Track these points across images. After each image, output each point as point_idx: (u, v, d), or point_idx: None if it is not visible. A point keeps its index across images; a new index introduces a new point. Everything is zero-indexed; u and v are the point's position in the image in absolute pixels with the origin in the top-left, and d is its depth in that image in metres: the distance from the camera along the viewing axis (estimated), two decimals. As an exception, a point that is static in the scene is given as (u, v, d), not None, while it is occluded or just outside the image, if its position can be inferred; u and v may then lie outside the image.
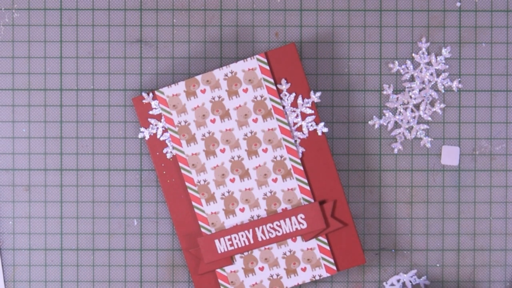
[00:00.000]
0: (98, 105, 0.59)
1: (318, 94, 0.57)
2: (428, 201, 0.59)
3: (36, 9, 0.59)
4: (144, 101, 0.57)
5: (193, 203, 0.57)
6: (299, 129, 0.58)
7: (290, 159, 0.57)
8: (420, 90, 0.59)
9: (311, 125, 0.57)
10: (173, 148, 0.57)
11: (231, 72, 0.57)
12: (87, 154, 0.59)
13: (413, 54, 0.59)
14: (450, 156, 0.59)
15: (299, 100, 0.57)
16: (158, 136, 0.58)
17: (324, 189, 0.57)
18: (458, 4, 0.59)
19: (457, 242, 0.59)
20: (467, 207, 0.59)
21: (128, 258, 0.59)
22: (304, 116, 0.58)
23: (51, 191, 0.59)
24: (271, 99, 0.57)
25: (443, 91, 0.59)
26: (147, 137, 0.58)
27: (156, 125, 0.57)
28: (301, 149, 0.58)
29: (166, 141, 0.58)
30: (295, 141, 0.57)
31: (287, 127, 0.57)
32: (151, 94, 0.57)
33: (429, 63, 0.59)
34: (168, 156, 0.58)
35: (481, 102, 0.59)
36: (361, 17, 0.59)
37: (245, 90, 0.57)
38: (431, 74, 0.59)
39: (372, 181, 0.59)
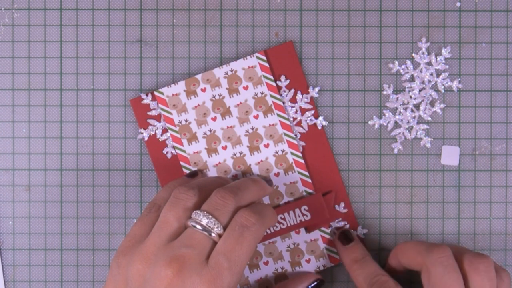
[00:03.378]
0: (98, 105, 0.59)
1: (317, 89, 0.58)
2: (428, 201, 0.59)
3: (36, 9, 0.59)
4: (142, 101, 0.57)
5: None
6: (299, 124, 0.58)
7: (292, 153, 0.58)
8: (420, 90, 0.59)
9: (310, 120, 0.58)
10: (174, 147, 0.57)
11: (231, 70, 0.57)
12: (87, 154, 0.59)
13: (413, 54, 0.59)
14: (450, 156, 0.59)
15: (298, 96, 0.58)
16: (157, 137, 0.58)
17: (325, 181, 0.58)
18: (458, 4, 0.59)
19: (457, 242, 0.59)
20: (467, 207, 0.59)
21: (128, 258, 0.59)
22: (303, 111, 0.58)
23: (51, 191, 0.59)
24: (271, 96, 0.58)
25: (443, 91, 0.59)
26: (146, 138, 0.58)
27: (155, 125, 0.57)
28: (301, 143, 0.58)
29: (166, 141, 0.58)
30: (296, 135, 0.58)
31: (288, 122, 0.58)
32: (149, 95, 0.57)
33: (429, 63, 0.59)
34: (168, 156, 0.58)
35: (481, 102, 0.59)
36: (361, 17, 0.59)
37: (246, 88, 0.57)
38: (431, 74, 0.59)
39: (372, 181, 0.59)
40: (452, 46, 0.59)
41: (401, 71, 0.59)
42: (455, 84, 0.59)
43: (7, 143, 0.59)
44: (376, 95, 0.59)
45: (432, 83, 0.59)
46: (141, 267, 0.47)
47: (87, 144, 0.59)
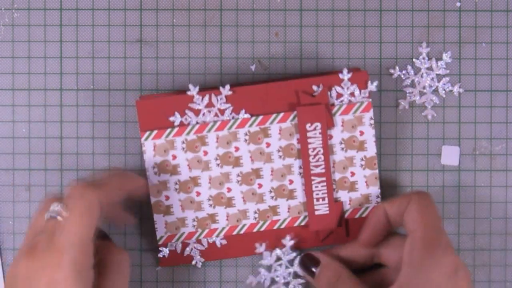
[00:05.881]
0: (98, 105, 0.59)
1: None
2: (428, 201, 0.59)
3: (36, 9, 0.59)
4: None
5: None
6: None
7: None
8: (421, 95, 0.59)
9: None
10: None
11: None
12: (87, 154, 0.59)
13: (414, 60, 0.58)
14: (450, 156, 0.59)
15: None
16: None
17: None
18: (458, 4, 0.59)
19: (457, 242, 0.59)
20: (467, 207, 0.59)
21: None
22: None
23: (51, 191, 0.59)
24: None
25: (444, 96, 0.59)
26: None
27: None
28: None
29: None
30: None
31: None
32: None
33: (429, 68, 0.59)
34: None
35: (481, 102, 0.59)
36: (361, 17, 0.59)
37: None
38: (432, 79, 0.58)
39: (372, 181, 0.59)
40: (452, 46, 0.59)
41: (402, 76, 0.59)
42: (456, 89, 0.59)
43: (7, 143, 0.59)
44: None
45: (433, 87, 0.58)
46: None
47: (87, 144, 0.59)
